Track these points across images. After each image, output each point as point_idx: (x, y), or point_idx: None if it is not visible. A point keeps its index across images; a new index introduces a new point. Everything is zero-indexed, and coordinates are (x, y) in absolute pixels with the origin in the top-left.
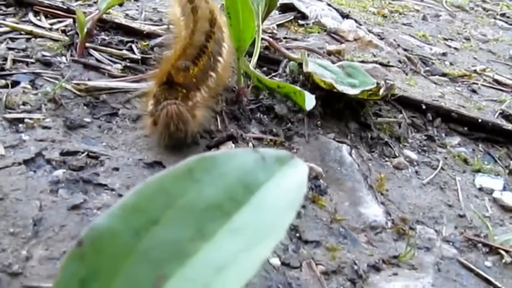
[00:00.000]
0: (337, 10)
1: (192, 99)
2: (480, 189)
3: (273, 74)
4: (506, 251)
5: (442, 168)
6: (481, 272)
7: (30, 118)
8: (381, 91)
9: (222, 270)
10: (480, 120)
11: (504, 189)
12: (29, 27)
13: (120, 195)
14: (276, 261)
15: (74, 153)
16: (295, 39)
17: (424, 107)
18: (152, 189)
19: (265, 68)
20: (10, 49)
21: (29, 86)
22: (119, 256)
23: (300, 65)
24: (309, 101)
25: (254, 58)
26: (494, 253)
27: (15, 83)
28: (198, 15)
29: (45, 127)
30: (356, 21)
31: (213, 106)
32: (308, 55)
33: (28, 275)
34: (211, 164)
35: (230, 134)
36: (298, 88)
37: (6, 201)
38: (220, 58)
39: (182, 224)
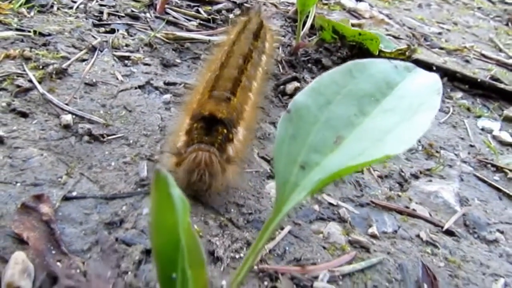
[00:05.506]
0: None
1: (232, 142)
2: (483, 129)
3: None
4: (509, 170)
5: (452, 113)
6: (492, 183)
7: (134, 57)
8: (407, 52)
9: (389, 133)
10: (479, 80)
11: (500, 129)
12: None
13: None
14: None
15: (174, 83)
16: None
17: (434, 68)
18: (326, 80)
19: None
20: (101, 5)
21: (126, 33)
22: (311, 122)
23: None
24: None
25: (310, 19)
26: (500, 171)
27: (114, 30)
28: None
29: (146, 64)
30: (369, 4)
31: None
32: None
33: (164, 163)
34: (363, 67)
35: (294, 76)
36: (376, 36)
37: (134, 113)
38: (258, 71)
39: (348, 105)
